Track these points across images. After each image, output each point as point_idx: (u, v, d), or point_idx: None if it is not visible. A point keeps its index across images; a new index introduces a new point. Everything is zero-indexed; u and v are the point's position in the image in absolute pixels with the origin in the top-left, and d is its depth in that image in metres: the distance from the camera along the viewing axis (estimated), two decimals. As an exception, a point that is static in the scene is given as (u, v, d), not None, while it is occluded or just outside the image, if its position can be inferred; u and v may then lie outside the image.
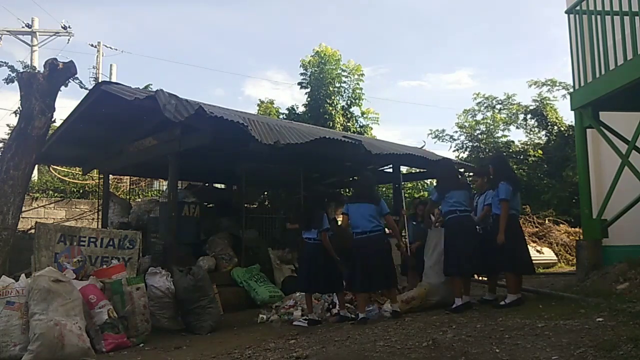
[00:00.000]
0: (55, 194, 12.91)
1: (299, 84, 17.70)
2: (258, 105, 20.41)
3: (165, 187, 11.29)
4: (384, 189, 15.82)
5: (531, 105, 19.29)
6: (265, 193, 11.73)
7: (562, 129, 18.36)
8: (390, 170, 10.01)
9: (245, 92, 61.94)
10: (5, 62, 7.07)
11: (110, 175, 9.65)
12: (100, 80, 14.87)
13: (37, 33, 20.11)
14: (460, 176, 6.14)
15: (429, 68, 73.45)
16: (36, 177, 13.44)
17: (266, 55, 75.71)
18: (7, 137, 11.16)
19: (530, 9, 66.58)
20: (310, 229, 5.74)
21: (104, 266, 6.02)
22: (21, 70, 6.86)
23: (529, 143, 19.26)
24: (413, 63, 77.38)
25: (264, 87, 66.50)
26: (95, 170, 10.52)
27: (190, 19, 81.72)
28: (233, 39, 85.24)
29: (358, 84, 17.76)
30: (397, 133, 59.45)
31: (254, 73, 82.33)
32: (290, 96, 72.35)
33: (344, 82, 17.53)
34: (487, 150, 19.20)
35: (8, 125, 13.78)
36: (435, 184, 6.65)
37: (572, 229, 14.25)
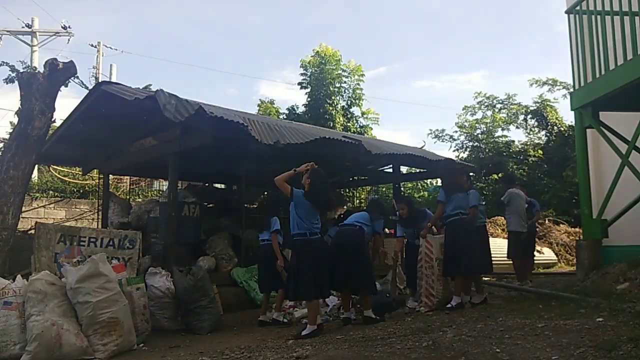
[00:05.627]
0: (55, 194, 12.90)
1: (299, 84, 17.73)
2: (258, 105, 20.43)
3: (165, 187, 11.28)
4: (384, 189, 15.83)
5: (532, 106, 19.28)
6: (265, 193, 11.73)
7: (562, 129, 18.36)
8: (390, 170, 10.01)
9: (260, 91, 61.63)
10: (6, 62, 7.06)
11: (110, 175, 9.65)
12: (100, 80, 14.88)
13: (37, 33, 20.07)
14: (466, 177, 6.19)
15: (441, 68, 73.23)
16: (36, 177, 13.42)
17: (280, 55, 75.15)
18: (7, 137, 11.15)
19: (540, 4, 66.04)
20: (263, 230, 6.07)
21: (104, 266, 6.01)
22: (21, 70, 6.85)
23: (529, 143, 19.25)
24: (427, 62, 77.29)
25: (278, 87, 65.54)
26: (95, 170, 10.52)
27: (194, 18, 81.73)
28: (246, 38, 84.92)
29: (358, 84, 17.78)
30: (406, 134, 59.21)
31: (267, 73, 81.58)
32: (303, 95, 71.81)
33: (344, 82, 17.55)
34: (487, 150, 19.19)
35: (11, 122, 13.76)
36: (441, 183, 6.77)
37: (572, 229, 14.22)
